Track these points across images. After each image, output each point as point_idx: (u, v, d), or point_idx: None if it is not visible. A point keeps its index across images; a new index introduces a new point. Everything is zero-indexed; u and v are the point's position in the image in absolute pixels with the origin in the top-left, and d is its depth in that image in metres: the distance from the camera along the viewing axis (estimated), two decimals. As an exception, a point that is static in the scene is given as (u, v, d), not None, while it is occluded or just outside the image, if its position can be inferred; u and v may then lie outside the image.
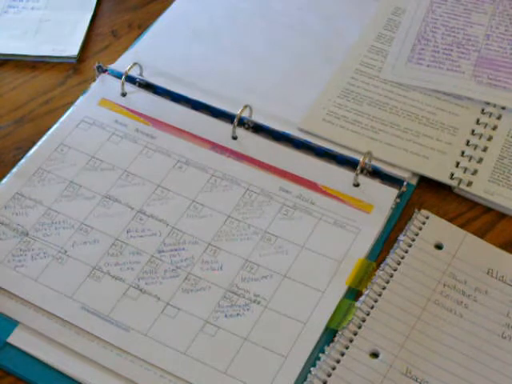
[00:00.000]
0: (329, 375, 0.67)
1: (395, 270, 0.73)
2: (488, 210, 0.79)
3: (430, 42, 0.93)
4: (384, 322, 0.70)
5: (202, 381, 0.67)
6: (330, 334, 0.69)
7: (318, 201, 0.78)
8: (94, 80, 0.89)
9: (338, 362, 0.67)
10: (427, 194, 0.80)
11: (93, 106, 0.86)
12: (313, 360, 0.68)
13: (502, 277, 0.73)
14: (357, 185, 0.79)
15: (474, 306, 0.71)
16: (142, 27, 0.97)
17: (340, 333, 0.69)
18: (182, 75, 0.90)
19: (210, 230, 0.76)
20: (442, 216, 0.78)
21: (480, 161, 0.82)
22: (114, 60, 0.91)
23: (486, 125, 0.85)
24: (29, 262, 0.74)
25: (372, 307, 0.71)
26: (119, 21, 0.99)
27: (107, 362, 0.68)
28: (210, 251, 0.74)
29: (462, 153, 0.83)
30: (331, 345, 0.68)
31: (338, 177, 0.80)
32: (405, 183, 0.79)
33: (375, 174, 0.81)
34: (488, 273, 0.73)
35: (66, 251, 0.74)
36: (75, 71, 0.92)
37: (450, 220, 0.78)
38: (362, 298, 0.71)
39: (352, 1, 0.99)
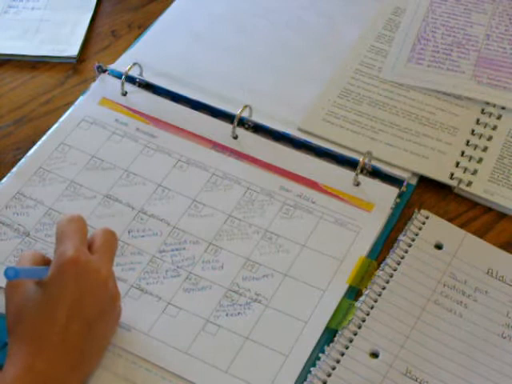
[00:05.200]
0: (329, 375, 0.67)
1: (395, 270, 0.73)
2: (488, 209, 0.80)
3: (430, 41, 0.93)
4: (384, 322, 0.70)
5: (204, 380, 0.67)
6: (330, 334, 0.69)
7: (318, 199, 0.78)
8: (94, 80, 0.89)
9: (338, 361, 0.67)
10: (427, 194, 0.80)
11: (93, 105, 0.86)
12: (313, 360, 0.68)
13: (502, 277, 0.73)
14: (357, 184, 0.79)
15: (474, 306, 0.71)
16: (142, 27, 0.97)
17: (340, 333, 0.69)
18: (182, 75, 0.90)
19: (210, 230, 0.76)
20: (442, 216, 0.78)
21: (480, 161, 0.82)
22: (113, 60, 0.91)
23: (485, 125, 0.85)
24: (30, 262, 0.74)
25: (372, 307, 0.71)
26: (119, 21, 0.99)
27: (108, 361, 0.68)
28: (210, 250, 0.74)
29: (462, 153, 0.83)
30: (331, 345, 0.68)
31: (339, 176, 0.80)
32: (405, 183, 0.79)
33: (375, 173, 0.81)
34: (488, 273, 0.73)
35: (67, 251, 0.74)
36: (75, 71, 0.92)
37: (450, 220, 0.78)
38: (361, 298, 0.71)
39: (352, 1, 0.99)
